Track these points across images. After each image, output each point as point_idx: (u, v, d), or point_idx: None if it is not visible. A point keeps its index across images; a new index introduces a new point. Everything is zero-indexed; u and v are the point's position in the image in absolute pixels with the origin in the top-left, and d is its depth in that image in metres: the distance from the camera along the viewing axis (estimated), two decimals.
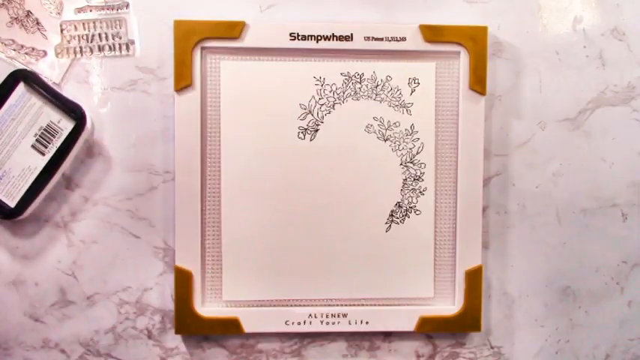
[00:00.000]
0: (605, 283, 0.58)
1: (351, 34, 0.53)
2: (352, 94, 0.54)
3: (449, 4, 0.56)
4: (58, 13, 0.54)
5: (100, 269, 0.54)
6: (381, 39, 0.54)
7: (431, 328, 0.55)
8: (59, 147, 0.51)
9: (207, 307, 0.54)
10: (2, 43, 0.53)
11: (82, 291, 0.55)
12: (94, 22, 0.54)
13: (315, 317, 0.55)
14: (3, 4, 0.53)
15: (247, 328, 0.54)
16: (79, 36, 0.54)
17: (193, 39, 0.52)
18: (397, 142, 0.55)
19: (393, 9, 0.55)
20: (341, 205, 0.55)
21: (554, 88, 0.56)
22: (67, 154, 0.52)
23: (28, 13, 0.53)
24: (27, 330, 0.51)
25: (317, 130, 0.54)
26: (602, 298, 0.58)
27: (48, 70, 0.53)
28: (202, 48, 0.53)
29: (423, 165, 0.55)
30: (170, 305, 0.55)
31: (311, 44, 0.53)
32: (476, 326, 0.55)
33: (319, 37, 0.53)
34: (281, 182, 0.55)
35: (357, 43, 0.53)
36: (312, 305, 0.55)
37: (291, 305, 0.55)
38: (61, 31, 0.54)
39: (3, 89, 0.51)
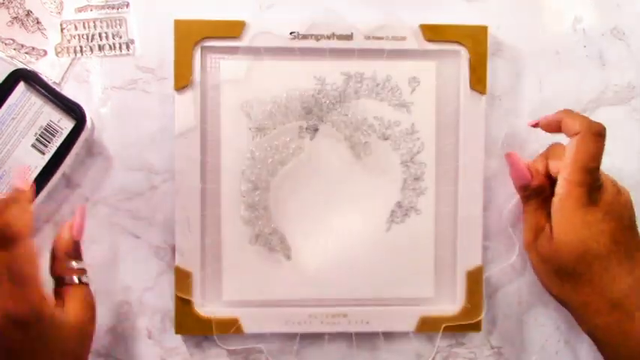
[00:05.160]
0: None
1: (352, 34, 0.53)
2: (353, 93, 0.54)
3: (449, 4, 0.56)
4: (59, 13, 0.54)
5: (99, 269, 0.54)
6: (382, 38, 0.54)
7: (431, 328, 0.55)
8: (59, 146, 0.51)
9: (207, 307, 0.54)
10: (2, 42, 0.53)
11: None
12: (94, 22, 0.54)
13: (316, 317, 0.54)
14: (3, 3, 0.53)
15: (247, 328, 0.54)
16: (79, 35, 0.54)
17: (193, 38, 0.52)
18: (397, 142, 0.55)
19: (394, 8, 0.55)
20: (341, 205, 0.55)
21: (554, 88, 0.56)
22: (67, 153, 0.51)
23: (29, 13, 0.53)
24: None
25: (317, 130, 0.54)
26: None
27: (48, 69, 0.53)
28: (202, 47, 0.53)
29: (423, 164, 0.55)
30: (170, 305, 0.55)
31: (311, 43, 0.53)
32: (476, 326, 0.55)
33: (319, 37, 0.53)
34: (281, 182, 0.55)
35: (358, 43, 0.53)
36: (312, 305, 0.55)
37: (291, 305, 0.55)
38: (62, 30, 0.54)
39: (3, 89, 0.51)
